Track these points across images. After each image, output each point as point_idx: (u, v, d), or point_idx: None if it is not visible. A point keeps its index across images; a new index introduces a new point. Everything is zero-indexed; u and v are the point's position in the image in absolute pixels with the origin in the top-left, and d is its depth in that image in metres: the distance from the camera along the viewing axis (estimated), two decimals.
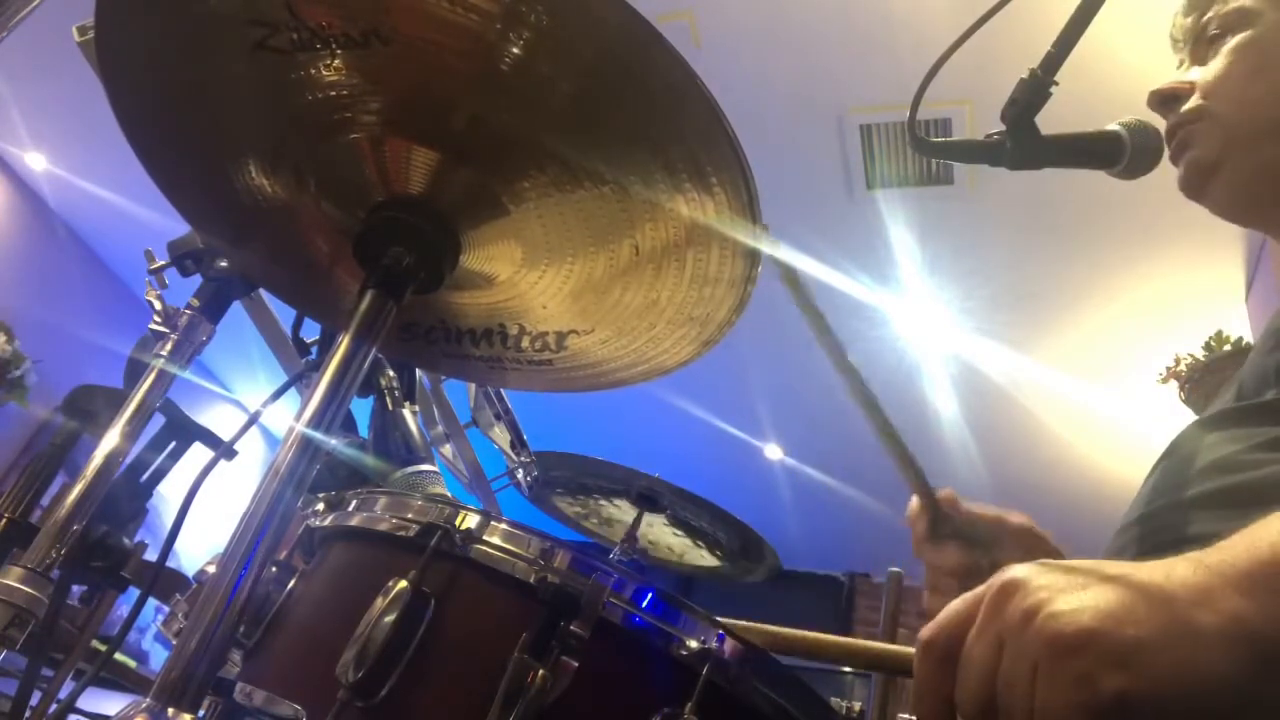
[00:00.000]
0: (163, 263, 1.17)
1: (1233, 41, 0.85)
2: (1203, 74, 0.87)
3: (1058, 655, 0.46)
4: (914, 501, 0.93)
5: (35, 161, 4.63)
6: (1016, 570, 0.51)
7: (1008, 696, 0.48)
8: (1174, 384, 2.91)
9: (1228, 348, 2.79)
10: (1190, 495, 0.75)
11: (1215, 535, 0.50)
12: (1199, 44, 0.89)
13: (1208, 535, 0.50)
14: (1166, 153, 0.88)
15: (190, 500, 0.99)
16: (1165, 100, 0.89)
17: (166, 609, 0.98)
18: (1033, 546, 0.90)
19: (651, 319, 0.88)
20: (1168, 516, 0.76)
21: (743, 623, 0.82)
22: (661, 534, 2.07)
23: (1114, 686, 0.45)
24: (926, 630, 0.54)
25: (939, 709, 0.53)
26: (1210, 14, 0.87)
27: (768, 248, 0.76)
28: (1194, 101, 0.86)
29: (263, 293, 1.31)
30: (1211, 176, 0.86)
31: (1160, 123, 0.89)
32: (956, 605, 0.54)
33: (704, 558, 2.11)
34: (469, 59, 0.71)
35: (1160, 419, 3.77)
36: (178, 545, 1.02)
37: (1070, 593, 0.48)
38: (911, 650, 0.57)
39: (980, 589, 0.53)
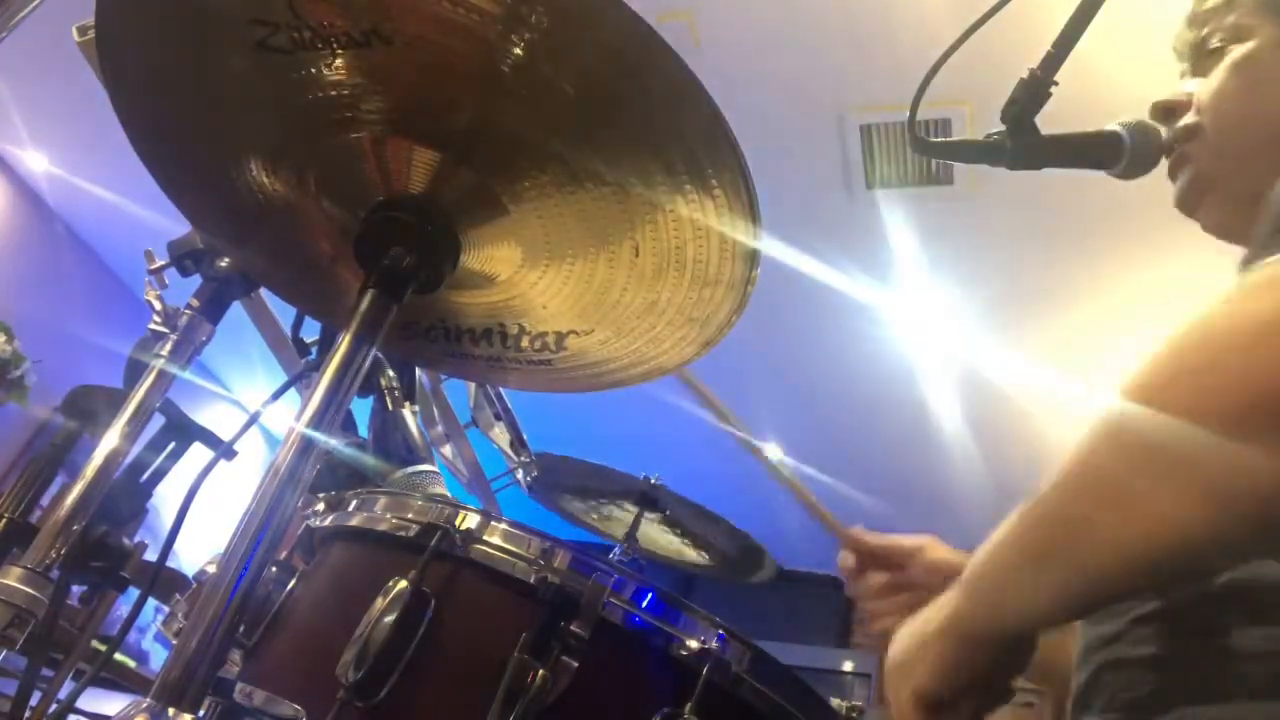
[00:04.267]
0: (163, 263, 1.17)
1: (1230, 57, 0.85)
2: (1200, 88, 0.87)
3: (889, 683, 0.68)
4: (843, 554, 1.10)
5: (35, 161, 4.62)
6: None
7: None
8: None
9: None
10: None
11: None
12: (1200, 56, 0.89)
13: None
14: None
15: (190, 500, 0.99)
16: (1165, 114, 0.90)
17: (166, 609, 0.98)
18: (936, 562, 1.04)
19: (651, 320, 0.88)
20: None
21: None
22: (659, 535, 2.07)
23: (908, 690, 0.66)
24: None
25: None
26: (1209, 28, 0.88)
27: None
28: (1189, 119, 0.87)
29: (263, 293, 1.31)
30: (1203, 197, 0.87)
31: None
32: None
33: (703, 558, 2.11)
34: (470, 60, 0.71)
35: None
36: (178, 545, 1.02)
37: (896, 640, 0.70)
38: None
39: None
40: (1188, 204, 0.88)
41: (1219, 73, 0.85)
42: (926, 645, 0.65)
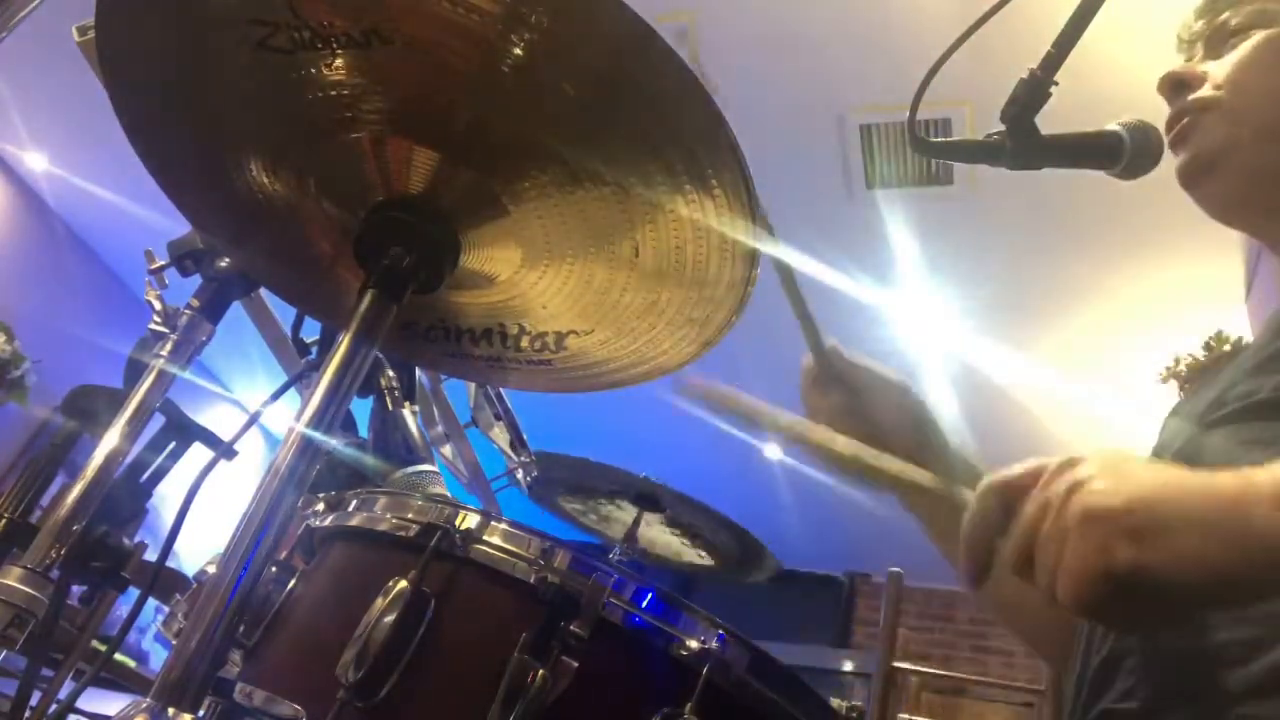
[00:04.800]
0: (163, 263, 1.17)
1: (1257, 37, 0.84)
2: (1218, 65, 0.85)
3: (1086, 523, 0.52)
4: (808, 357, 1.01)
5: (35, 161, 4.62)
6: (1086, 453, 0.56)
7: (1041, 554, 0.54)
8: (1174, 384, 2.91)
9: (1227, 347, 2.79)
10: None
11: None
12: (1214, 42, 0.88)
13: None
14: (1167, 150, 0.87)
15: (190, 500, 0.99)
16: (1176, 85, 0.87)
17: (166, 609, 0.98)
18: (903, 404, 0.96)
19: (651, 320, 0.88)
20: None
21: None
22: (660, 534, 2.07)
23: (1127, 557, 0.50)
24: (995, 478, 0.60)
25: (981, 547, 0.60)
26: (1228, 14, 0.87)
27: (765, 243, 0.79)
28: (1205, 91, 0.85)
29: (263, 292, 1.31)
30: (1209, 172, 0.84)
31: (1160, 116, 0.88)
32: (1029, 465, 0.59)
33: (702, 558, 2.11)
34: (470, 60, 0.71)
35: (1160, 419, 3.76)
36: (178, 545, 1.02)
37: (1114, 475, 0.53)
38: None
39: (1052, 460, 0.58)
40: (1191, 175, 0.85)
41: (1244, 48, 0.84)
42: (1216, 533, 0.49)
